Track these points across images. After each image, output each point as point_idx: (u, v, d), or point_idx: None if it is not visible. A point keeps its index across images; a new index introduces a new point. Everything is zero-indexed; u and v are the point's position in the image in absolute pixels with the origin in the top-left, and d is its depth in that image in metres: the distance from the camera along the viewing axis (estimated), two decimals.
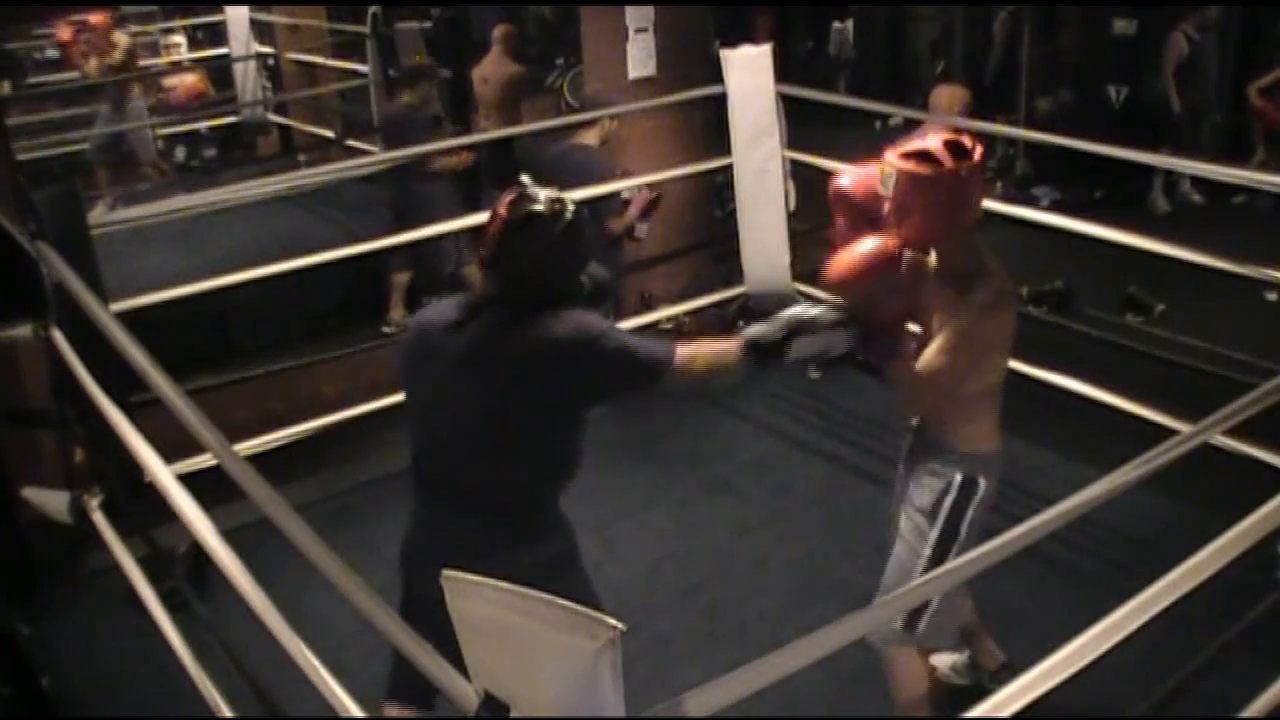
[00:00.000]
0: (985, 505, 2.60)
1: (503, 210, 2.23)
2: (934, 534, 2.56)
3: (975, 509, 2.57)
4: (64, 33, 7.52)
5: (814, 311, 2.37)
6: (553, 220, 2.21)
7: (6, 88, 7.68)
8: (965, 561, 1.67)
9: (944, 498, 2.54)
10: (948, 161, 2.32)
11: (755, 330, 2.35)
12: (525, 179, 2.35)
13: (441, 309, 2.30)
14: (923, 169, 2.32)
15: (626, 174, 4.85)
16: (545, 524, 2.36)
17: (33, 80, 8.27)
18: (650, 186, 4.83)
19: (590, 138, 4.73)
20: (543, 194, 2.24)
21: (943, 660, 3.11)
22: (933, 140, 2.37)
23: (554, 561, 2.33)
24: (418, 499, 2.39)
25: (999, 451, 2.62)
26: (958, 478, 2.54)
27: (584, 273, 2.30)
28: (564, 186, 2.41)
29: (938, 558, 2.53)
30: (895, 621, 2.54)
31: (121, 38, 7.34)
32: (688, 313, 5.27)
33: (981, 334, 2.42)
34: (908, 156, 2.35)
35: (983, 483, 2.57)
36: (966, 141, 2.38)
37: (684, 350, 2.27)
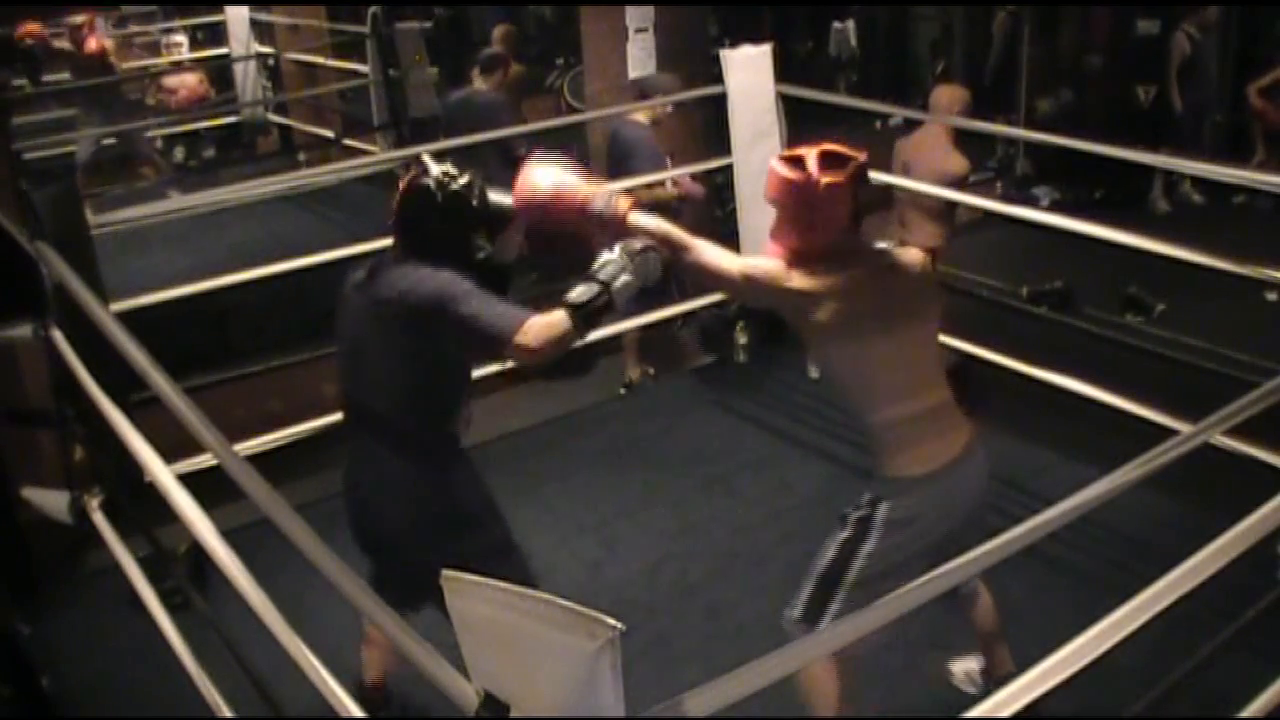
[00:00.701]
0: (909, 527, 2.51)
1: (402, 182, 2.56)
2: (839, 538, 2.58)
3: (884, 528, 2.51)
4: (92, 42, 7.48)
5: (615, 254, 2.48)
6: (438, 191, 2.52)
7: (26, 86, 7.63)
8: (959, 566, 1.66)
9: (854, 511, 2.56)
10: (810, 170, 2.37)
11: (576, 293, 2.44)
12: (425, 157, 2.63)
13: (365, 266, 2.62)
14: (781, 172, 2.40)
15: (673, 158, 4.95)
16: (441, 453, 2.61)
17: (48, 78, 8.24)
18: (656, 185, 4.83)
19: (642, 115, 4.81)
20: (436, 169, 2.54)
21: (958, 666, 3.11)
22: (813, 150, 2.41)
23: (459, 487, 2.62)
24: (346, 432, 2.73)
25: (923, 478, 2.49)
26: (866, 496, 2.55)
27: (477, 241, 2.54)
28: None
29: (837, 565, 2.55)
30: (794, 610, 2.59)
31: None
32: (688, 313, 5.27)
33: (764, 273, 2.41)
34: (783, 159, 2.44)
35: (886, 504, 2.50)
36: (850, 157, 2.41)
37: (529, 324, 2.39)
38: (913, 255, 2.58)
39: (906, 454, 2.49)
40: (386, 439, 2.58)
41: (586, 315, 2.43)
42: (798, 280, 2.38)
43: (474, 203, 2.54)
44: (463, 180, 2.54)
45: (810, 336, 2.47)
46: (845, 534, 2.55)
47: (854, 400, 2.52)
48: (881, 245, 2.57)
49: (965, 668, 3.09)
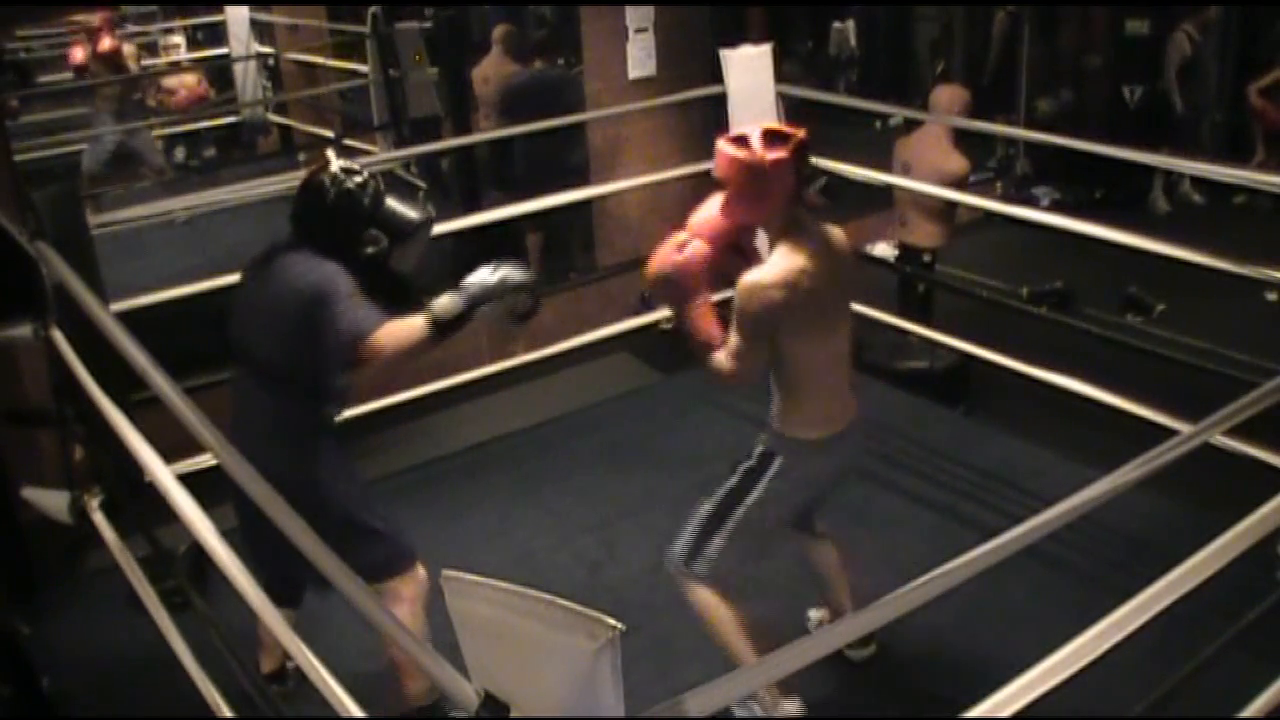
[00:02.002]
0: (792, 482, 2.75)
1: (304, 174, 2.72)
2: (726, 486, 2.77)
3: (772, 480, 2.73)
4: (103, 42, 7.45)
5: (497, 276, 2.59)
6: (331, 186, 2.64)
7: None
8: (966, 562, 1.66)
9: (744, 461, 2.76)
10: (755, 149, 2.53)
11: (441, 306, 2.56)
12: (330, 152, 2.75)
13: (265, 249, 2.74)
14: (730, 151, 2.56)
15: None
16: (306, 431, 2.69)
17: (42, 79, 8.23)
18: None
19: None
20: (335, 165, 2.67)
21: (811, 615, 3.29)
22: (757, 129, 2.58)
23: (320, 468, 2.68)
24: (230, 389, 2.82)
25: (816, 442, 2.72)
26: (759, 449, 2.75)
27: (364, 241, 2.63)
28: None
29: (722, 510, 2.75)
30: (679, 550, 2.77)
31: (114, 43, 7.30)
32: None
33: (751, 314, 2.54)
34: (729, 139, 2.60)
35: (780, 460, 2.72)
36: (790, 134, 2.56)
37: (385, 329, 2.52)
38: (839, 233, 2.75)
39: (808, 419, 2.71)
40: (259, 412, 2.70)
41: (444, 328, 2.54)
42: (773, 293, 2.52)
43: (365, 202, 2.64)
44: (358, 179, 2.66)
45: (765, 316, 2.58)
46: (733, 482, 2.75)
47: (782, 368, 2.68)
48: (817, 221, 2.71)
49: (815, 617, 3.27)
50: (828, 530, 3.13)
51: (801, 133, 2.58)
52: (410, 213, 2.70)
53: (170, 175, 7.62)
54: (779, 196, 2.57)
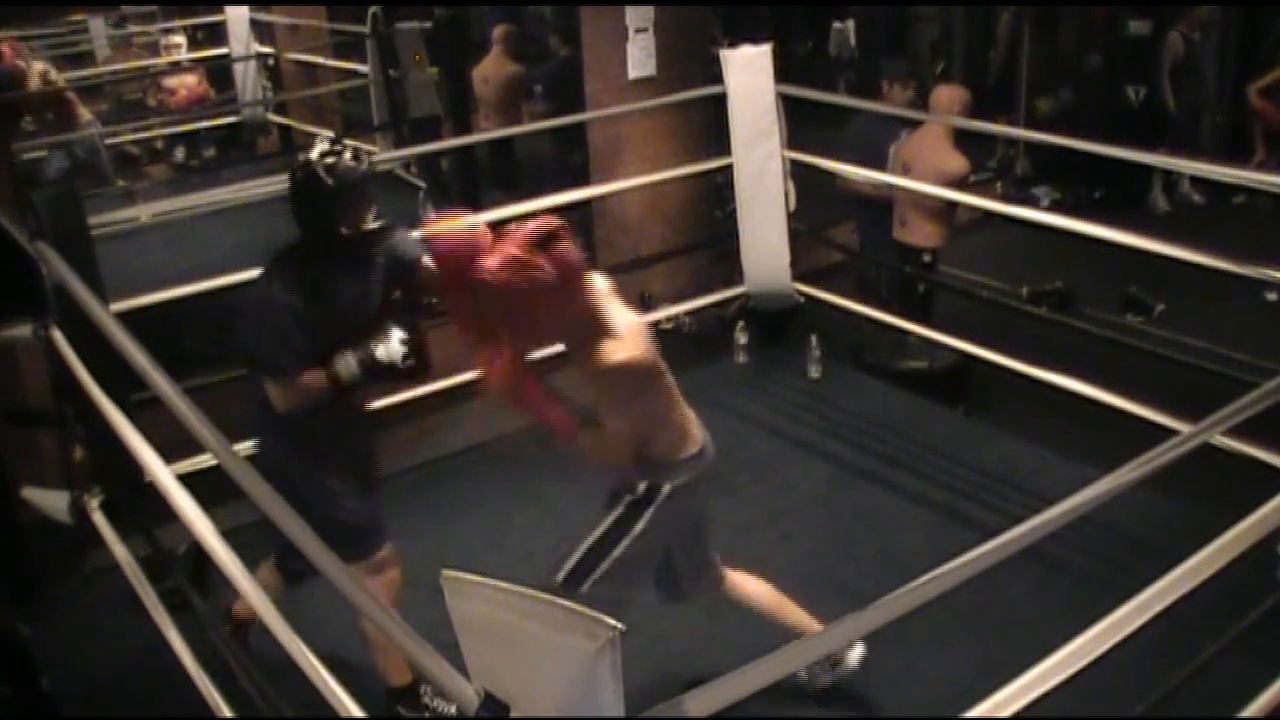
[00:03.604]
0: (678, 503, 2.71)
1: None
2: (611, 517, 2.71)
3: (658, 509, 2.69)
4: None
5: (396, 355, 2.75)
6: (293, 174, 2.73)
7: None
8: (966, 562, 1.66)
9: (628, 495, 2.69)
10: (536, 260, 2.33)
11: (344, 372, 2.71)
12: (321, 137, 2.82)
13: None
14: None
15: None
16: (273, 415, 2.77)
17: None
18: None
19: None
20: (316, 150, 2.70)
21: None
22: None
23: (287, 445, 2.80)
24: None
25: (693, 456, 2.69)
26: (642, 484, 2.67)
27: (333, 222, 2.71)
28: None
29: (607, 540, 2.71)
30: (559, 574, 2.72)
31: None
32: (688, 313, 5.27)
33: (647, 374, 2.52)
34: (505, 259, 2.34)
35: (667, 488, 2.67)
36: (551, 227, 2.35)
37: (286, 381, 2.68)
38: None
39: (681, 439, 2.67)
40: (252, 401, 2.82)
41: (342, 388, 2.71)
42: (623, 353, 2.44)
43: (329, 182, 2.67)
44: (313, 168, 2.68)
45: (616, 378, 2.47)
46: (617, 513, 2.69)
47: (642, 413, 2.59)
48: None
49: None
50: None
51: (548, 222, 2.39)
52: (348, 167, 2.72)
53: (119, 186, 7.45)
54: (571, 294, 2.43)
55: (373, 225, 2.79)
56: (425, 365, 2.83)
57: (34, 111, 7.02)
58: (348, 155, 2.70)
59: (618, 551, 2.70)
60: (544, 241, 2.32)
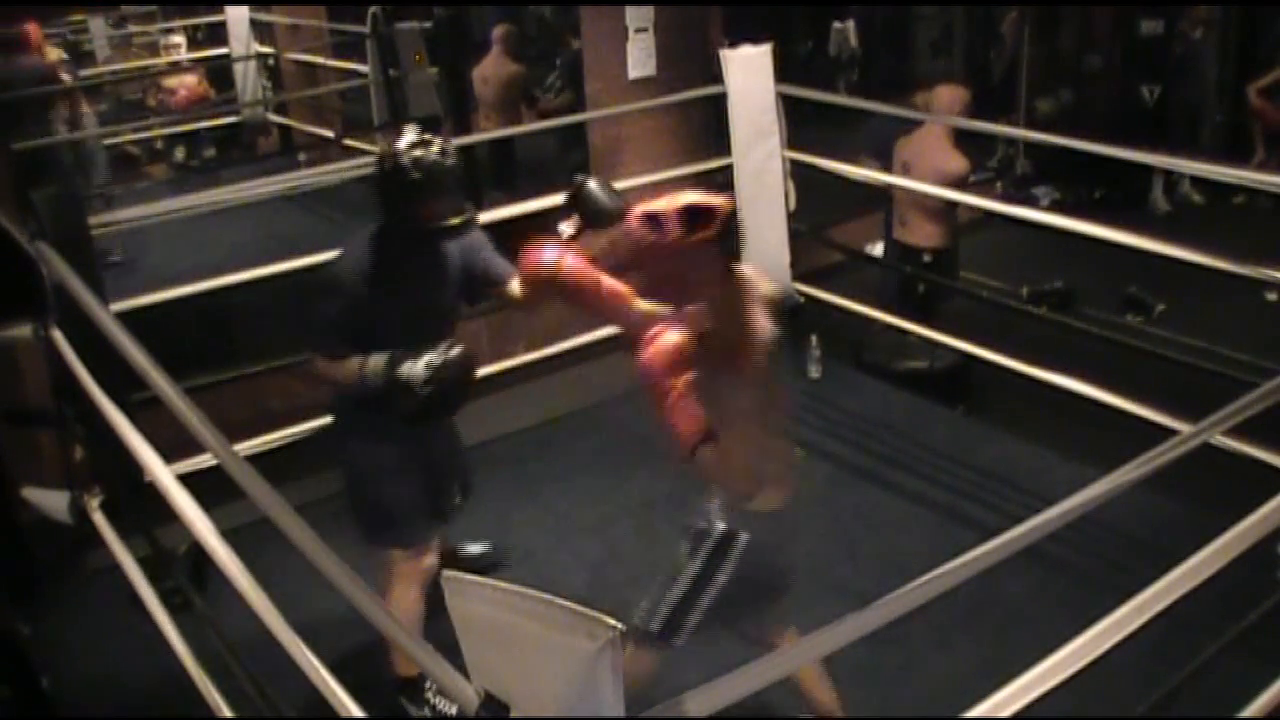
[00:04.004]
0: (759, 556, 2.54)
1: None
2: (692, 570, 2.55)
3: (739, 560, 2.51)
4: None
5: (422, 370, 2.71)
6: (380, 161, 2.74)
7: None
8: (966, 562, 1.66)
9: (707, 540, 2.52)
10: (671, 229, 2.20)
11: (372, 371, 2.73)
12: (409, 127, 2.83)
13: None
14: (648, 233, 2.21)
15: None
16: (347, 405, 2.93)
17: None
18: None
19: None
20: (400, 141, 2.72)
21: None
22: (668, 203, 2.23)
23: (352, 437, 2.96)
24: None
25: (773, 513, 2.52)
26: (721, 527, 2.50)
27: (408, 213, 2.73)
28: None
29: (694, 590, 2.56)
30: (653, 621, 2.57)
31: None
32: None
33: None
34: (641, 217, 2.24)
35: (744, 538, 2.50)
36: (708, 208, 2.21)
37: (325, 361, 2.78)
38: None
39: (766, 491, 2.47)
40: None
41: (365, 384, 2.74)
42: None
43: (414, 175, 2.68)
44: (415, 152, 2.69)
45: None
46: (700, 562, 2.53)
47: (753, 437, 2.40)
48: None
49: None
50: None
51: (721, 202, 2.23)
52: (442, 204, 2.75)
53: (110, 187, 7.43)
54: (697, 277, 2.29)
55: (454, 222, 2.77)
56: (443, 403, 2.78)
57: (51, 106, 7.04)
58: (435, 148, 2.71)
59: (706, 602, 2.55)
60: (703, 213, 2.21)
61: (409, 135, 2.74)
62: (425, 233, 2.75)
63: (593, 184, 2.76)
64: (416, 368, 2.70)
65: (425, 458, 2.98)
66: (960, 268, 5.39)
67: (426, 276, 2.84)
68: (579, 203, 2.76)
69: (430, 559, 2.96)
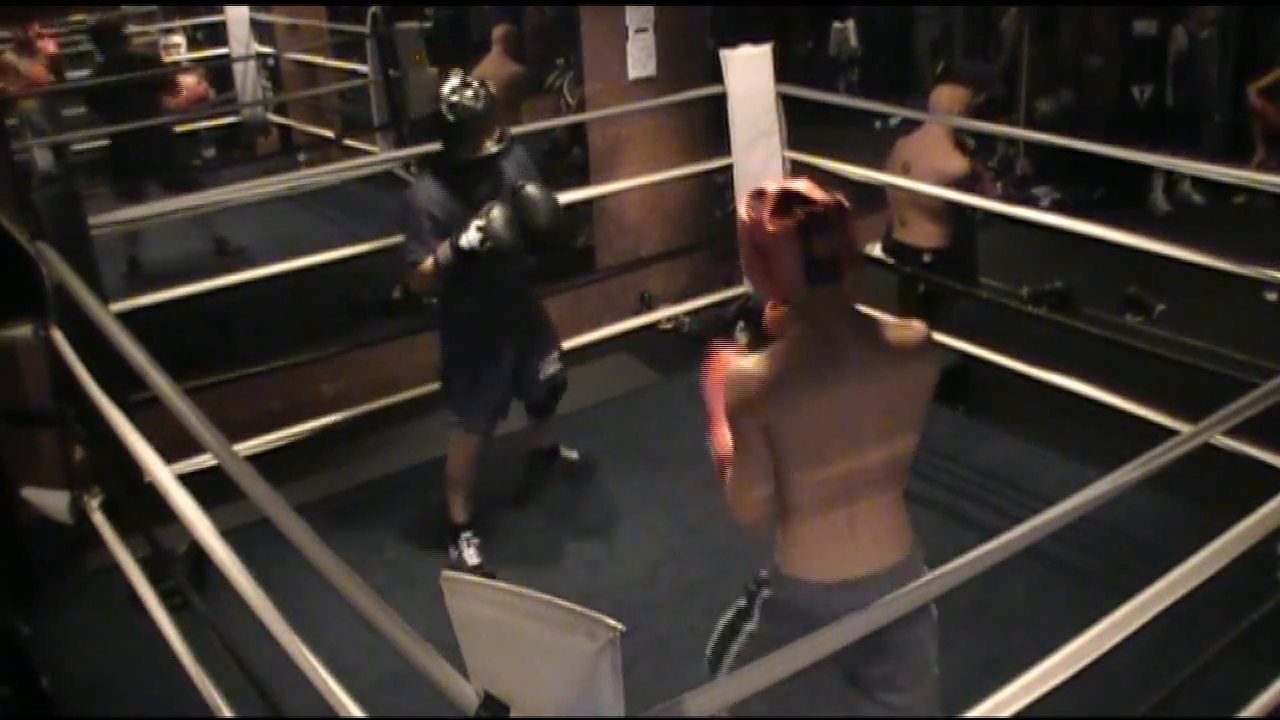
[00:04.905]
0: (790, 625, 2.00)
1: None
2: (730, 613, 2.31)
3: (763, 613, 2.21)
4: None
5: (474, 241, 3.23)
6: (435, 106, 3.35)
7: None
8: (966, 562, 1.66)
9: (749, 587, 2.25)
10: (762, 208, 2.03)
11: (443, 252, 3.29)
12: (454, 72, 3.43)
13: None
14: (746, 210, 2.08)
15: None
16: (448, 302, 3.60)
17: None
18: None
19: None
20: (449, 84, 3.33)
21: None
22: (776, 186, 2.07)
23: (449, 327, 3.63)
24: None
25: (809, 584, 2.10)
26: (760, 573, 2.21)
27: (449, 151, 3.38)
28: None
29: (726, 636, 2.31)
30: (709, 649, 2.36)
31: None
32: (688, 313, 5.27)
33: (728, 405, 2.04)
34: (753, 193, 2.10)
35: (767, 592, 2.19)
36: (810, 199, 2.01)
37: (413, 268, 3.38)
38: (904, 336, 2.11)
39: (806, 553, 2.10)
40: None
41: (463, 255, 3.25)
42: (749, 384, 2.00)
43: (450, 118, 3.30)
44: (451, 98, 3.29)
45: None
46: (734, 610, 2.30)
47: (779, 485, 2.06)
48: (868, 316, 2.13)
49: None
50: None
51: (823, 198, 2.02)
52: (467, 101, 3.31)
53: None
54: (776, 272, 2.05)
55: (493, 149, 3.34)
56: (508, 248, 3.23)
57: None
58: (469, 93, 3.29)
59: (735, 648, 2.27)
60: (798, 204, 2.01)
61: (449, 83, 3.33)
62: (471, 161, 3.33)
63: None
64: (470, 234, 3.22)
65: (495, 354, 3.57)
66: (979, 271, 5.35)
67: (482, 191, 3.35)
68: None
69: (479, 439, 3.64)
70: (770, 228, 2.00)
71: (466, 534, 3.71)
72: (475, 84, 3.32)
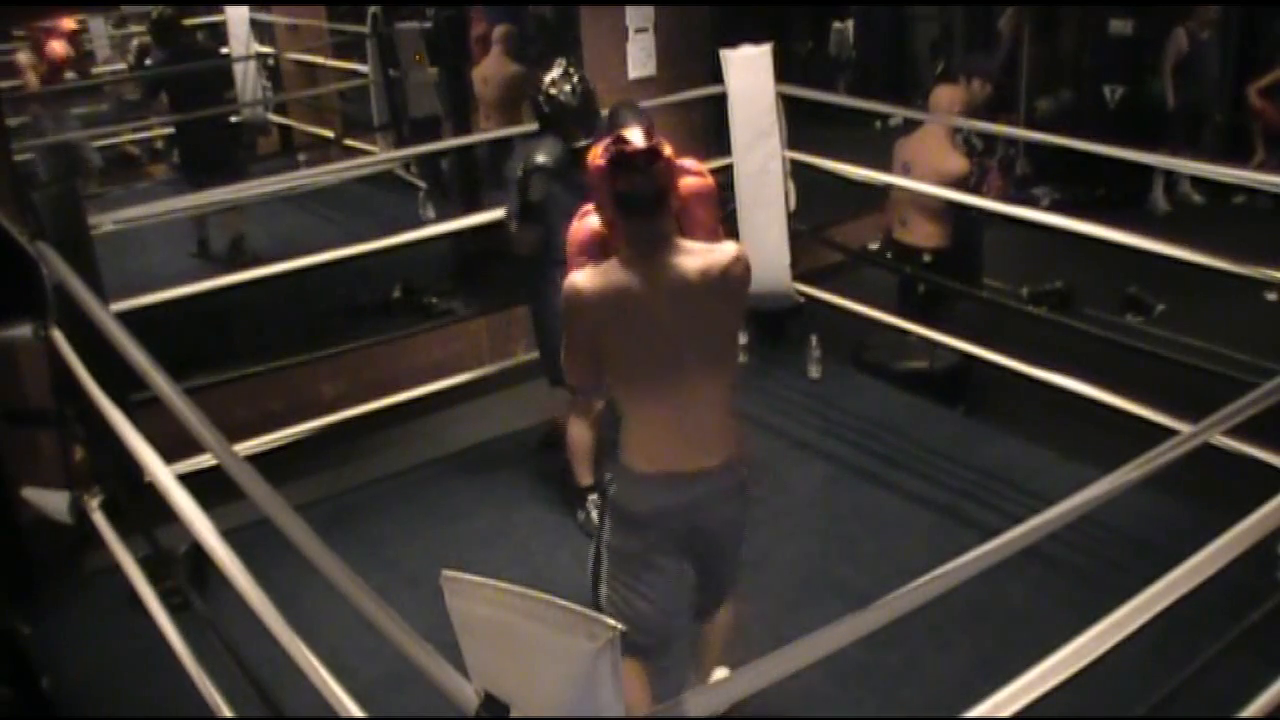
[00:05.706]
0: (625, 521, 2.55)
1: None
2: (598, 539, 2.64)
3: (612, 516, 2.56)
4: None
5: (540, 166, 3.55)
6: (540, 91, 3.67)
7: None
8: (966, 562, 1.66)
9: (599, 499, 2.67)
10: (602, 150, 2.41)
11: (533, 190, 3.56)
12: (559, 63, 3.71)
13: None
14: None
15: None
16: (539, 268, 3.69)
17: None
18: None
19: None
20: (549, 74, 3.66)
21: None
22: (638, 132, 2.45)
23: (543, 285, 3.63)
24: None
25: (645, 476, 2.47)
26: (607, 476, 2.57)
27: (545, 132, 3.69)
28: None
29: (595, 556, 2.65)
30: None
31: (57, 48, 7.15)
32: None
33: (562, 314, 2.46)
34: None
35: (613, 488, 2.53)
36: (627, 141, 2.37)
37: (515, 232, 3.69)
38: (719, 254, 2.42)
39: (637, 448, 2.47)
40: None
41: (530, 210, 3.58)
42: (579, 298, 2.37)
43: (546, 110, 3.64)
44: (550, 90, 3.62)
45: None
46: (598, 523, 2.67)
47: (614, 386, 2.49)
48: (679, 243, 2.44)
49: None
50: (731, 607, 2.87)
51: (638, 144, 2.36)
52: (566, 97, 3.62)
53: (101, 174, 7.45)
54: (602, 201, 2.42)
55: (579, 144, 3.52)
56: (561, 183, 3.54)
57: None
58: (566, 88, 3.58)
59: (603, 568, 2.59)
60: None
61: (551, 73, 3.63)
62: (564, 148, 3.57)
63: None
64: (535, 180, 3.55)
65: None
66: (984, 271, 5.35)
67: (570, 172, 3.47)
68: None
69: (599, 403, 3.66)
70: (591, 166, 2.40)
71: (592, 496, 3.80)
72: (573, 80, 3.63)
